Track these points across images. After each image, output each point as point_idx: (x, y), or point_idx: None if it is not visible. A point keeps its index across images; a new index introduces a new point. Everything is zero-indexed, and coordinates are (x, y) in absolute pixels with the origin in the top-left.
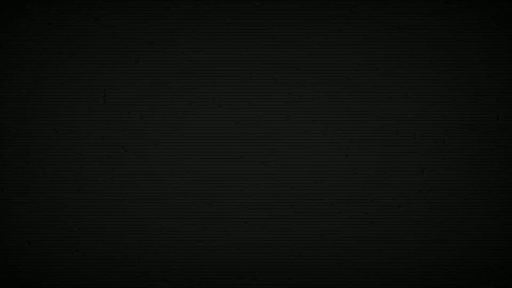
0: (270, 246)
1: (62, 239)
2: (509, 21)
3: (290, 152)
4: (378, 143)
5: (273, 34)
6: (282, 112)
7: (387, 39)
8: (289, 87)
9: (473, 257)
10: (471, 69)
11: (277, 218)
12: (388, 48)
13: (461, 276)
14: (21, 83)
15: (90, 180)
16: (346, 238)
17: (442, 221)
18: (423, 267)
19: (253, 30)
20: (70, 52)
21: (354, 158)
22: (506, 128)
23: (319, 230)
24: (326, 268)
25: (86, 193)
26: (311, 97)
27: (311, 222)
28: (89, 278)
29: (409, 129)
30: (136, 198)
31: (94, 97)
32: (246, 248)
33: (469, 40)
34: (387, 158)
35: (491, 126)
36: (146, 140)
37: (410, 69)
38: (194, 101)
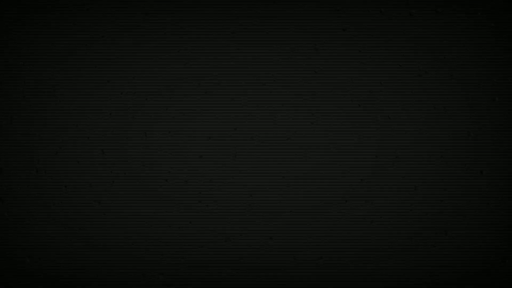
0: (270, 246)
1: (64, 239)
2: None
3: (291, 153)
4: (376, 145)
5: (272, 36)
6: (282, 113)
7: (382, 41)
8: (288, 88)
9: (473, 258)
10: (466, 74)
11: (278, 219)
12: (383, 50)
13: (461, 276)
14: (24, 85)
15: (92, 181)
16: (346, 238)
17: (438, 219)
18: (423, 267)
19: (254, 33)
20: (77, 55)
21: (351, 157)
22: (502, 133)
23: (319, 230)
24: (327, 268)
25: (87, 193)
26: (311, 98)
27: (311, 223)
28: (90, 277)
29: (407, 131)
30: (138, 198)
31: (96, 98)
32: (246, 248)
33: (463, 45)
34: (385, 159)
35: (486, 129)
36: (149, 142)
37: (405, 73)
38: (195, 102)
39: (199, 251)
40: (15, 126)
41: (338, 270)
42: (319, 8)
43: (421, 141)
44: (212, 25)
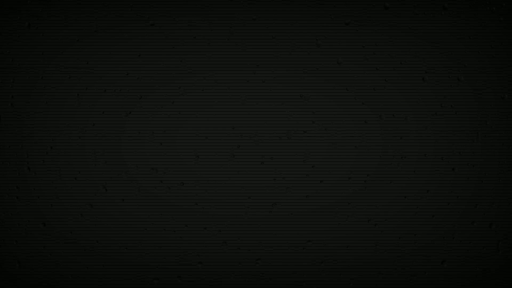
0: (270, 246)
1: (55, 242)
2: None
3: (291, 153)
4: (380, 145)
5: (273, 32)
6: (282, 112)
7: (387, 38)
8: (289, 85)
9: (477, 259)
10: (471, 70)
11: (277, 220)
12: (388, 47)
13: (464, 279)
14: (13, 83)
15: (89, 181)
16: (347, 239)
17: (445, 222)
18: (424, 269)
19: (253, 29)
20: (70, 50)
21: (354, 158)
22: (508, 126)
23: (320, 234)
24: (328, 273)
25: (87, 192)
26: (312, 95)
27: (310, 223)
28: (82, 282)
29: (409, 129)
30: (136, 198)
31: (93, 97)
32: (246, 249)
33: (470, 38)
34: (387, 157)
35: (492, 125)
36: (146, 141)
37: (410, 68)
38: (194, 101)
39: (195, 255)
40: (4, 125)
41: (340, 275)
42: (321, 1)
43: (427, 141)
44: (208, 19)
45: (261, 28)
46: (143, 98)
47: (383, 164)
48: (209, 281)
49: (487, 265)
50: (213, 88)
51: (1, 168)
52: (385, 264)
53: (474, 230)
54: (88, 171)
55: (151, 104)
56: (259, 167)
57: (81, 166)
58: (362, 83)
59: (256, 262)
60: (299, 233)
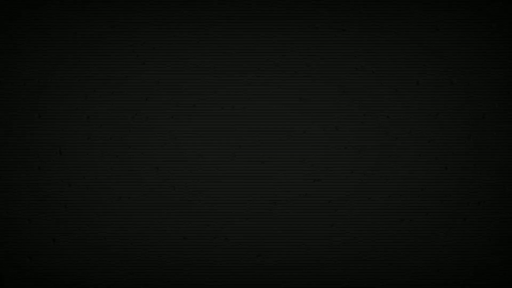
0: (269, 245)
1: (66, 237)
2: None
3: (290, 152)
4: (375, 143)
5: (273, 37)
6: (282, 112)
7: (382, 43)
8: (289, 88)
9: (469, 255)
10: (464, 70)
11: (277, 218)
12: (383, 51)
13: (457, 275)
14: (24, 84)
15: (97, 179)
16: (344, 236)
17: (438, 219)
18: (419, 266)
19: (253, 34)
20: (77, 54)
21: (351, 157)
22: (499, 128)
23: (317, 228)
24: (324, 266)
25: (92, 191)
26: (311, 98)
27: (310, 220)
28: (89, 278)
29: (404, 129)
30: (142, 197)
31: (101, 99)
32: (246, 247)
33: (462, 42)
34: (383, 157)
35: (484, 126)
36: (152, 141)
37: (405, 72)
38: (198, 103)
39: (198, 250)
40: (15, 126)
41: (337, 270)
42: (319, 8)
43: (421, 141)
44: (210, 25)
45: (261, 34)
46: (149, 99)
47: (379, 163)
48: (211, 275)
49: (479, 261)
50: (216, 90)
51: (13, 168)
52: (381, 261)
53: (467, 226)
54: (96, 171)
55: (157, 106)
56: (260, 166)
57: (89, 166)
58: (358, 86)
59: (257, 257)
60: (299, 230)
